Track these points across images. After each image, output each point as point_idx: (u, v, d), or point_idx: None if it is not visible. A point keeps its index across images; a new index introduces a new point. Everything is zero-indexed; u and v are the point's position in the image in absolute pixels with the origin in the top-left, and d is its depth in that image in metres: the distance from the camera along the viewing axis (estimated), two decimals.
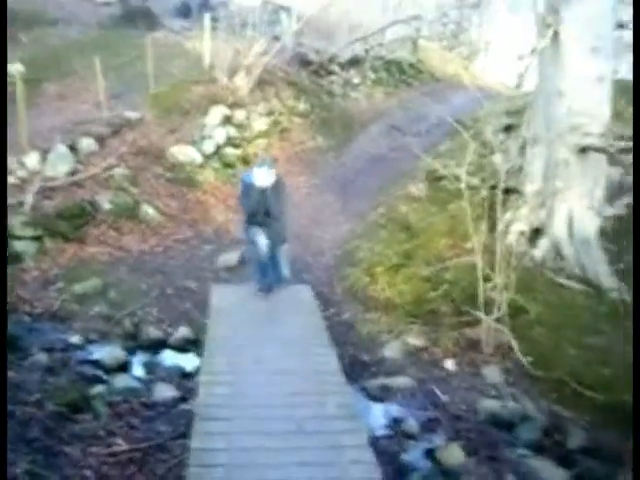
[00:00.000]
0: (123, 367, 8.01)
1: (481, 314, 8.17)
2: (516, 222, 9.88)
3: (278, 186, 9.07)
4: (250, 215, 9.18)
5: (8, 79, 13.59)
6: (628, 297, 8.54)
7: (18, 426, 5.99)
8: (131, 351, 8.41)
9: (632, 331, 6.30)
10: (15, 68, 15.24)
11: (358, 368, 8.14)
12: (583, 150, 9.28)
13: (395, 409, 7.34)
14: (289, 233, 9.45)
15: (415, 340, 8.70)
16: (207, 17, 18.68)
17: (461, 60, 33.92)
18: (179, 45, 20.21)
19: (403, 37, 26.50)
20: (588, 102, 9.26)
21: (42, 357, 7.74)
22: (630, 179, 9.44)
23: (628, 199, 9.79)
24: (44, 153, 12.29)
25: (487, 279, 8.28)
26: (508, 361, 8.07)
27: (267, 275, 9.47)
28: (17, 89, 12.35)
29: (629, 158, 8.87)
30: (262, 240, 9.18)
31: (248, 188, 9.02)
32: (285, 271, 9.60)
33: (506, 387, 7.64)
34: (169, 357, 8.50)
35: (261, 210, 9.05)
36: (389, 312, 9.50)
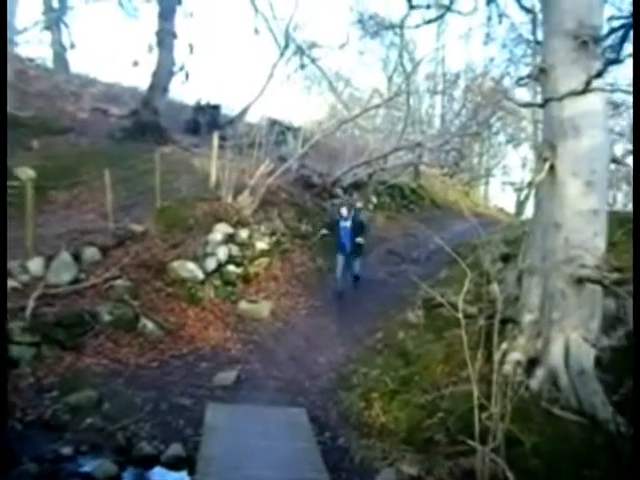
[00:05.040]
0: None
1: (476, 444, 8.06)
2: (513, 352, 9.84)
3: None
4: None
5: (18, 183, 13.83)
6: (624, 429, 8.45)
7: None
8: (122, 466, 8.31)
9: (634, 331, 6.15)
10: (26, 173, 15.59)
11: None
12: (579, 281, 9.35)
13: None
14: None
15: (409, 468, 8.50)
16: (215, 135, 19.12)
17: (462, 187, 34.60)
18: (187, 161, 20.66)
19: (405, 163, 27.08)
20: (584, 234, 9.39)
21: (31, 466, 7.72)
22: (628, 309, 9.49)
23: (624, 330, 9.80)
24: (48, 260, 12.51)
25: (483, 408, 8.19)
26: None
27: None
28: (27, 195, 12.60)
29: (624, 289, 8.94)
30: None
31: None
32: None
33: None
34: (160, 474, 8.39)
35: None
36: (384, 438, 9.36)
